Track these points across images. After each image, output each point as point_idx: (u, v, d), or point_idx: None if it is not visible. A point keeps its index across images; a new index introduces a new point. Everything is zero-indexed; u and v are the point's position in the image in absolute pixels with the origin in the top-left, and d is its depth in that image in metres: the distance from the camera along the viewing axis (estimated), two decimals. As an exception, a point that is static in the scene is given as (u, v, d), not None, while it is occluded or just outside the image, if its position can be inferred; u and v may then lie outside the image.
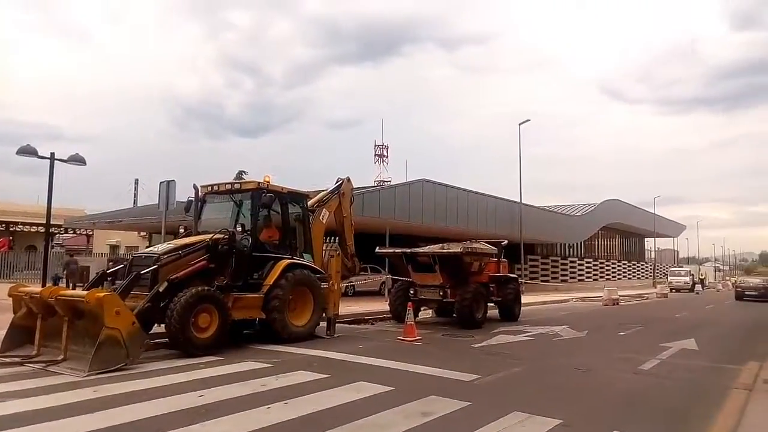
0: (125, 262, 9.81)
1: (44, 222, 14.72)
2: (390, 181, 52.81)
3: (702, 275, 57.85)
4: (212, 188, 10.81)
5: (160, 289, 8.47)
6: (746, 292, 32.83)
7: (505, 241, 17.62)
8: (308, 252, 11.22)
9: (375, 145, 69.12)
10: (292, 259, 10.51)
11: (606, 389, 7.18)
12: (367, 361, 8.53)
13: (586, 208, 48.66)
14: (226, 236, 9.52)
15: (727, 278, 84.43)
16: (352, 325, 14.19)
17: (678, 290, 44.00)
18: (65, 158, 14.23)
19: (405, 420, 5.24)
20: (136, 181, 49.22)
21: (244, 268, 9.75)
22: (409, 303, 12.78)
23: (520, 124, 32.82)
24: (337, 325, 11.91)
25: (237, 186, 10.86)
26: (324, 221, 11.92)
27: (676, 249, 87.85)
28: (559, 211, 45.17)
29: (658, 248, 78.05)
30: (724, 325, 16.85)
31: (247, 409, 5.46)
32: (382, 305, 16.75)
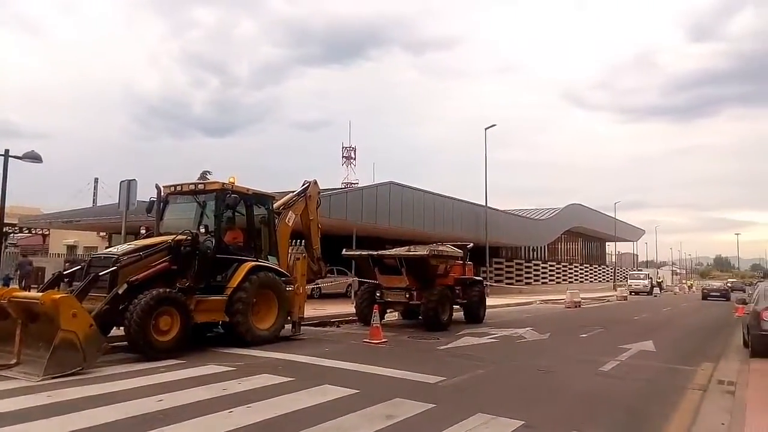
0: (83, 263, 9.54)
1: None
2: (357, 183, 52.83)
3: (660, 278, 59.61)
4: (175, 188, 10.59)
5: (120, 291, 8.22)
6: (711, 293, 41.69)
7: (471, 244, 17.79)
8: (273, 254, 11.07)
9: (342, 147, 68.92)
10: (256, 261, 10.35)
11: (567, 390, 7.30)
12: (332, 363, 8.47)
13: (550, 212, 49.61)
14: (189, 237, 9.32)
15: (684, 281, 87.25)
16: (318, 328, 14.08)
17: (637, 293, 45.20)
18: (20, 155, 13.76)
19: (369, 423, 5.22)
20: (96, 180, 47.94)
21: (207, 270, 9.57)
22: (376, 305, 12.75)
23: (486, 129, 33.20)
24: (302, 327, 11.83)
25: (201, 187, 10.68)
26: (290, 224, 11.83)
27: (635, 253, 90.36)
28: (524, 214, 45.90)
29: (619, 252, 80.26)
30: (680, 328, 17.38)
31: (207, 414, 5.34)
32: (349, 308, 16.69)
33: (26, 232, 44.20)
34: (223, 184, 10.26)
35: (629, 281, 50.94)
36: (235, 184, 10.35)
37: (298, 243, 12.60)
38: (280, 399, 6.05)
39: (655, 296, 44.79)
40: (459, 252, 15.92)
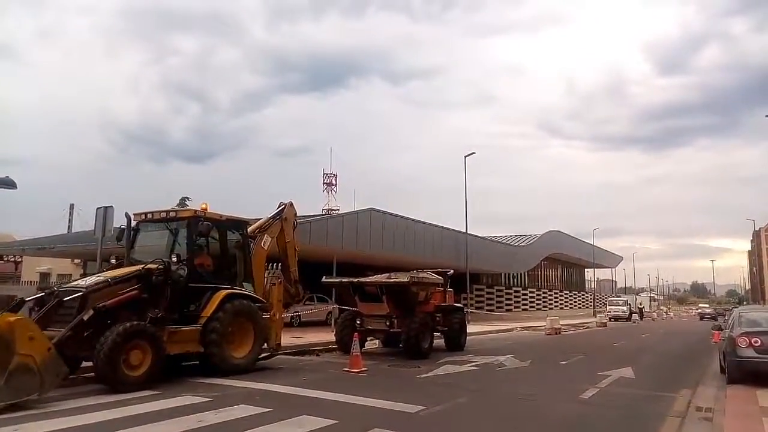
0: (48, 291, 9.23)
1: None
2: (338, 210, 52.81)
3: (640, 305, 60.24)
4: (146, 216, 10.41)
5: (85, 318, 7.91)
6: (705, 316, 56.80)
7: (451, 271, 17.81)
8: (249, 281, 10.89)
9: (323, 174, 69.10)
10: (231, 288, 10.17)
11: (548, 418, 7.27)
12: (310, 393, 8.32)
13: (530, 239, 50.06)
14: (161, 266, 9.12)
15: (662, 308, 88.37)
16: (297, 357, 13.87)
17: (616, 319, 45.53)
18: (-6, 181, 13.50)
19: (348, 455, 5.11)
20: (71, 207, 46.95)
21: (179, 300, 9.37)
22: (356, 333, 12.62)
23: (465, 157, 33.65)
24: (281, 356, 11.62)
25: (172, 214, 10.50)
26: (266, 247, 11.61)
27: (614, 279, 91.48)
28: (504, 241, 46.23)
29: (598, 278, 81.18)
30: (658, 354, 17.49)
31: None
32: (329, 336, 16.49)
33: (-2, 259, 43.13)
34: (195, 211, 10.11)
35: (608, 307, 51.35)
36: (208, 210, 10.22)
37: (274, 267, 12.39)
38: (257, 431, 5.91)
39: (634, 322, 45.15)
40: (439, 279, 15.92)
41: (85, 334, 7.94)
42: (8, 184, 13.46)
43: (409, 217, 29.18)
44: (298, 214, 13.23)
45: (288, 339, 16.87)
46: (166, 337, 8.82)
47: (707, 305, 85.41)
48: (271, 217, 12.04)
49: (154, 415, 6.55)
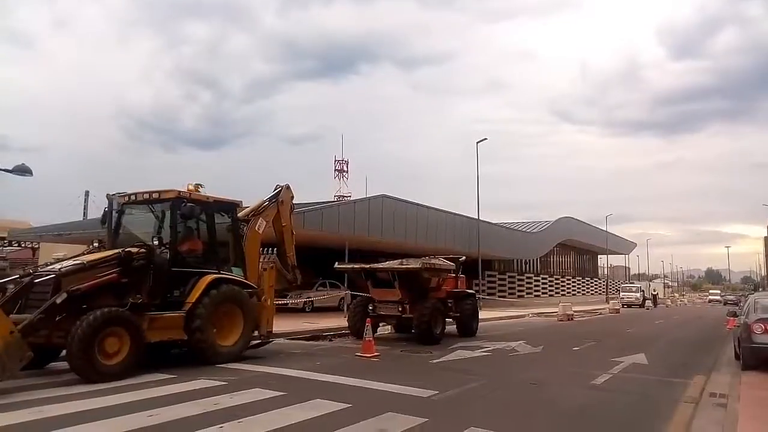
0: (26, 274, 8.69)
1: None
2: (350, 197, 52.81)
3: (654, 291, 59.92)
4: (129, 198, 9.92)
5: (58, 301, 7.54)
6: (728, 301, 56.24)
7: (463, 257, 17.80)
8: (239, 265, 10.46)
9: (335, 161, 69.09)
10: (218, 273, 9.74)
11: (560, 404, 7.28)
12: (324, 378, 8.42)
13: (542, 225, 49.78)
14: (143, 249, 8.78)
15: (676, 295, 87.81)
16: (311, 342, 14.01)
17: (629, 306, 45.30)
18: (10, 168, 13.70)
19: (361, 438, 5.18)
20: (87, 193, 47.42)
21: (162, 285, 8.98)
22: (368, 319, 12.71)
23: (477, 143, 33.41)
24: (294, 341, 11.68)
25: (155, 195, 9.80)
26: (260, 231, 11.18)
27: (627, 266, 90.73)
28: (516, 228, 46.02)
29: (611, 265, 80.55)
30: (672, 340, 17.42)
31: (198, 429, 5.28)
32: (341, 321, 16.61)
33: (15, 245, 43.80)
34: (179, 192, 9.60)
35: (621, 294, 51.08)
36: (195, 191, 9.86)
37: (270, 252, 12.02)
38: (272, 414, 6.00)
39: (647, 309, 44.92)
40: (451, 265, 15.92)
41: (57, 318, 7.63)
42: (24, 171, 13.65)
43: (421, 203, 29.14)
44: (309, 201, 13.22)
45: (301, 324, 17.06)
46: (147, 323, 8.45)
47: (718, 292, 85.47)
48: (266, 200, 11.64)
49: (172, 398, 6.68)
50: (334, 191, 63.56)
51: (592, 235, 60.39)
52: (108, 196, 10.10)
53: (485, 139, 33.91)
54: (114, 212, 10.01)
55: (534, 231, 47.69)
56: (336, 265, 16.11)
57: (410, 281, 14.29)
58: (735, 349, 11.54)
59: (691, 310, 48.65)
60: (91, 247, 10.10)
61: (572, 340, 15.90)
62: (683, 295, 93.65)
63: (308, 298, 24.92)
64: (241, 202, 11.16)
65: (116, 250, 8.76)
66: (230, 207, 10.63)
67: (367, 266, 14.91)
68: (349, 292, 20.44)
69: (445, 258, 16.30)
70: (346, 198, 49.88)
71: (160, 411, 5.97)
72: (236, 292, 9.89)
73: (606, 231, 62.94)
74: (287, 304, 23.70)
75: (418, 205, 28.63)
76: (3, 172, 13.77)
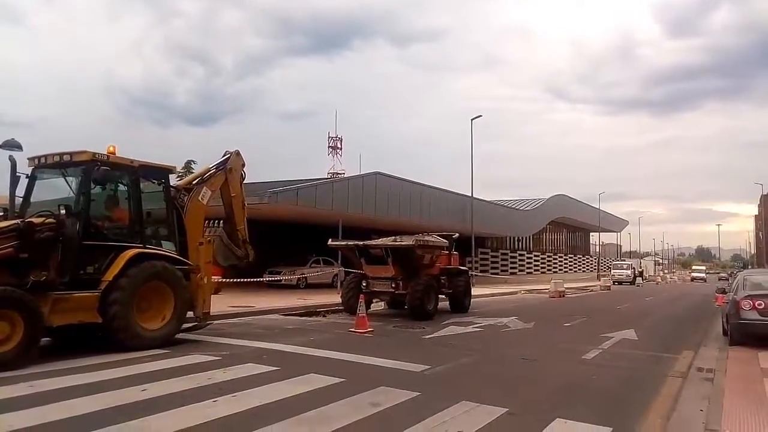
0: None
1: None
2: (344, 174, 52.64)
3: (641, 268, 60.43)
4: (39, 161, 8.78)
5: None
6: (721, 278, 57.14)
7: (456, 234, 17.85)
8: (171, 240, 9.43)
9: (329, 137, 68.73)
10: (143, 248, 8.70)
11: (551, 378, 7.38)
12: (318, 353, 8.48)
13: (535, 203, 50.00)
14: (50, 220, 7.79)
15: (666, 272, 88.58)
16: (304, 318, 14.08)
17: (620, 283, 45.71)
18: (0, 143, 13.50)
19: (354, 411, 5.24)
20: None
21: (72, 260, 7.91)
22: (362, 295, 12.77)
23: (471, 120, 33.26)
24: (288, 317, 11.63)
25: (67, 158, 8.59)
26: (204, 201, 10.13)
27: (619, 243, 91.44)
28: (509, 205, 46.17)
29: (603, 242, 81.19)
30: (661, 317, 17.64)
31: (192, 404, 5.32)
32: (335, 298, 16.68)
33: (7, 221, 43.48)
34: (94, 154, 8.42)
35: (613, 271, 51.50)
36: (115, 153, 8.71)
37: (216, 224, 11.15)
38: (266, 388, 6.05)
39: (638, 286, 45.38)
40: (445, 242, 15.98)
41: None
42: (14, 146, 13.45)
43: (415, 180, 29.10)
44: (303, 177, 13.07)
45: (295, 300, 17.13)
46: (50, 305, 7.43)
47: (703, 269, 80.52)
48: (212, 167, 10.66)
49: (166, 372, 6.71)
50: (328, 168, 63.39)
51: (585, 213, 60.70)
52: (10, 158, 8.94)
53: (480, 116, 33.78)
54: (24, 177, 8.83)
55: (527, 208, 47.87)
56: (329, 242, 16.11)
57: (403, 258, 14.33)
58: (723, 325, 11.70)
59: (681, 287, 49.20)
60: None
61: (563, 316, 16.06)
62: (673, 272, 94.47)
63: (302, 274, 24.99)
64: (175, 167, 10.36)
65: (13, 221, 7.71)
66: (161, 173, 9.58)
67: (361, 243, 14.92)
68: (342, 269, 20.47)
69: (438, 235, 16.35)
70: (339, 175, 49.73)
71: (153, 385, 6.01)
72: (164, 269, 8.79)
73: (599, 209, 63.26)
74: (281, 280, 23.84)
75: (411, 182, 28.62)
76: (-9, 147, 13.55)
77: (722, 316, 12.16)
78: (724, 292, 13.51)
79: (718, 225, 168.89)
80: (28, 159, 8.98)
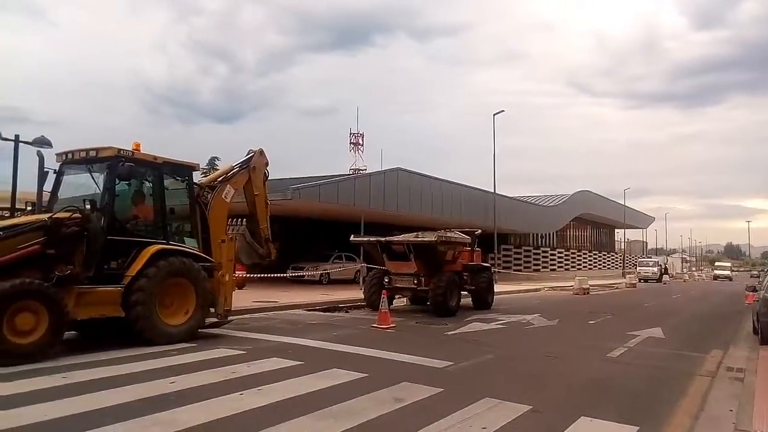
0: None
1: (9, 206, 14.29)
2: (365, 170, 52.82)
3: (667, 265, 59.27)
4: (67, 157, 8.96)
5: None
6: (720, 277, 56.58)
7: (479, 231, 17.77)
8: (194, 236, 9.50)
9: (350, 134, 68.84)
10: (166, 244, 8.79)
11: (575, 376, 7.31)
12: (341, 348, 8.54)
13: (559, 199, 49.34)
14: (76, 215, 7.84)
15: (693, 269, 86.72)
16: (327, 313, 14.18)
17: (646, 280, 45.02)
18: (30, 141, 13.85)
19: (377, 406, 5.26)
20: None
21: (96, 255, 7.96)
22: (384, 291, 12.80)
23: (494, 115, 32.98)
24: (312, 312, 11.73)
25: (93, 153, 8.70)
26: (228, 200, 10.22)
27: (645, 240, 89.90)
28: (532, 201, 45.68)
29: (628, 239, 79.79)
30: (689, 315, 17.32)
31: (218, 396, 5.41)
32: (357, 293, 16.77)
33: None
34: (119, 150, 8.52)
35: (638, 268, 50.72)
36: (140, 150, 8.88)
37: (239, 222, 11.15)
38: (290, 382, 6.12)
39: (665, 283, 44.61)
40: (467, 238, 15.91)
41: None
42: (44, 143, 13.79)
43: (437, 176, 29.00)
44: (325, 174, 13.13)
45: (318, 296, 17.25)
46: (74, 299, 7.54)
47: (728, 266, 73.42)
48: (236, 166, 10.72)
49: (193, 366, 6.83)
50: (350, 164, 63.55)
51: (610, 209, 59.75)
52: (38, 154, 9.08)
53: (502, 111, 33.49)
54: (51, 172, 8.95)
55: (550, 205, 47.29)
56: (351, 238, 16.18)
57: (426, 254, 14.32)
58: (754, 323, 11.44)
59: (709, 285, 48.20)
60: (24, 210, 8.96)
61: (588, 313, 15.88)
62: (701, 269, 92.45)
63: (325, 270, 25.15)
64: (198, 165, 10.38)
65: (41, 216, 7.87)
66: (184, 171, 9.62)
67: (383, 239, 14.95)
68: (364, 264, 20.52)
69: (460, 231, 16.29)
70: (361, 171, 49.81)
71: (180, 378, 6.12)
72: (187, 266, 8.84)
73: (624, 205, 62.22)
74: (304, 276, 24.01)
75: (433, 178, 28.50)
76: (24, 144, 13.92)
77: (753, 314, 11.88)
78: (754, 290, 13.20)
79: (748, 221, 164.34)
80: (56, 155, 9.16)
